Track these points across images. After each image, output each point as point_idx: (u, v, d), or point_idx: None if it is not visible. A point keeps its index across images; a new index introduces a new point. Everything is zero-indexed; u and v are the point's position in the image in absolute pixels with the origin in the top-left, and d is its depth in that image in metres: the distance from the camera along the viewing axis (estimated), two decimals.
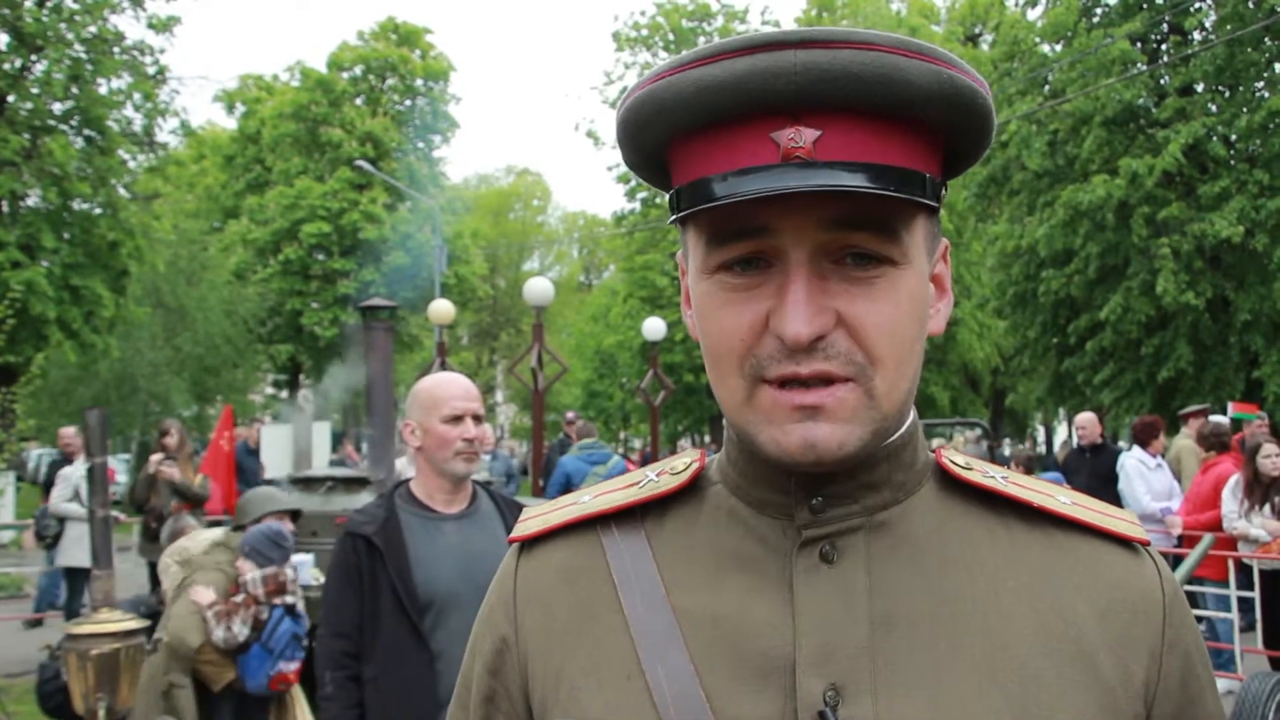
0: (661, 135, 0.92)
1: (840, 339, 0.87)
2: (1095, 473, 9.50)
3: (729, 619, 0.92)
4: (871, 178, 0.84)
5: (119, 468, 20.17)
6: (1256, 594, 7.55)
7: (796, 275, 0.86)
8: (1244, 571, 7.82)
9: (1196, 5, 19.47)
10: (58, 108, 17.82)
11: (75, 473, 9.97)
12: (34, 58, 17.57)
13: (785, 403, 0.87)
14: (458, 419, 3.10)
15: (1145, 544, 0.98)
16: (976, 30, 33.96)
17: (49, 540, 10.12)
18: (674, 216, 0.92)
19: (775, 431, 0.88)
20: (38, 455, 25.18)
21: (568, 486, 8.60)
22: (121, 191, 19.28)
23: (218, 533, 5.23)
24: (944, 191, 0.93)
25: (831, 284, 0.87)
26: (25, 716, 7.41)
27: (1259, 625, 7.59)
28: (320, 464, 13.38)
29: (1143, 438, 9.14)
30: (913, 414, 0.97)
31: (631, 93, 0.92)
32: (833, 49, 0.83)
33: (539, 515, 1.07)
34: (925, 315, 0.94)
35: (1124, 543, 0.97)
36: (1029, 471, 15.49)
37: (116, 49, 18.56)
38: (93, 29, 18.06)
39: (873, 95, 0.84)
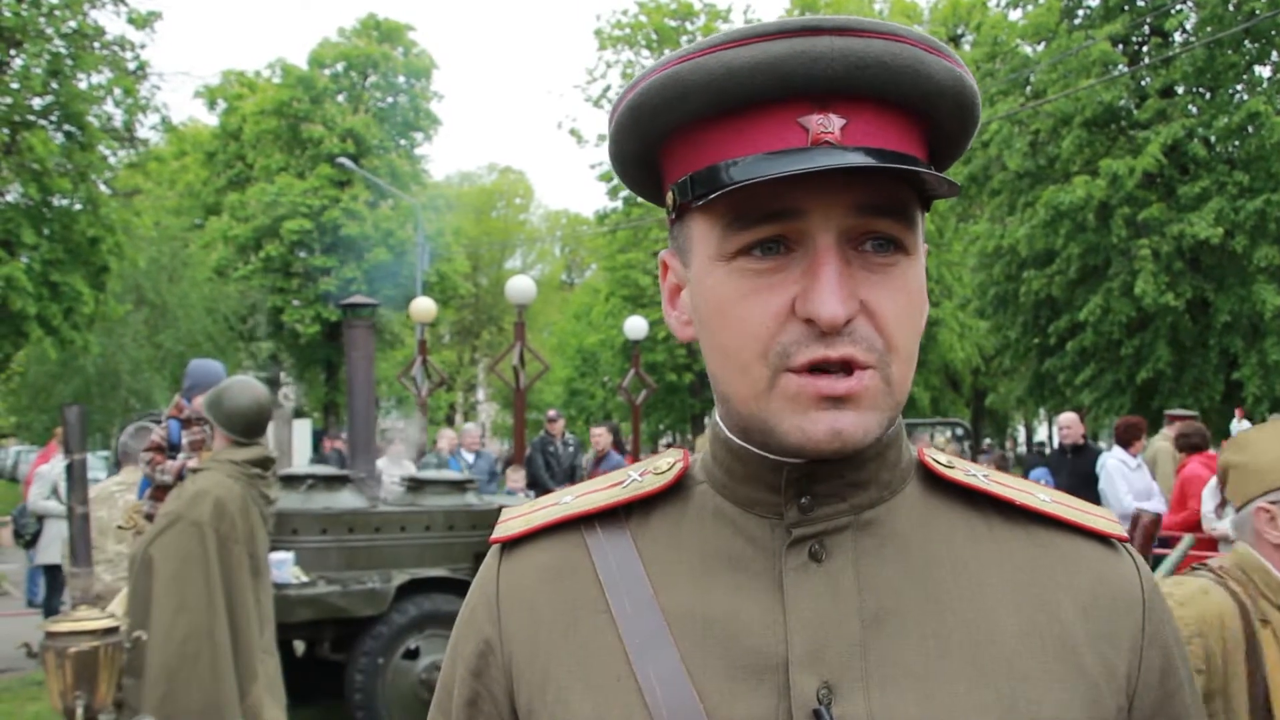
0: (673, 121, 0.91)
1: (864, 325, 0.87)
2: (1076, 472, 9.54)
3: (718, 618, 0.92)
4: (898, 163, 0.85)
5: (98, 465, 20.06)
6: None
7: (827, 258, 0.86)
8: None
9: (1177, 7, 19.59)
10: (37, 103, 17.62)
11: (53, 470, 9.88)
12: (12, 52, 17.40)
13: (813, 391, 0.87)
14: None
15: (1124, 540, 0.99)
16: (959, 30, 34.07)
17: (27, 539, 10.04)
18: (698, 200, 0.89)
19: (800, 419, 0.87)
20: (15, 451, 25.03)
21: None
22: (102, 187, 19.08)
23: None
24: None
25: (855, 270, 0.87)
26: (4, 716, 7.36)
27: None
28: (301, 462, 13.34)
29: (1125, 438, 9.19)
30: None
31: (647, 75, 0.91)
32: (867, 38, 0.84)
33: (520, 516, 1.05)
34: (926, 308, 0.95)
35: (1103, 539, 0.99)
36: (1000, 468, 15.59)
37: (96, 44, 18.38)
38: (72, 24, 17.88)
39: (899, 87, 0.85)
